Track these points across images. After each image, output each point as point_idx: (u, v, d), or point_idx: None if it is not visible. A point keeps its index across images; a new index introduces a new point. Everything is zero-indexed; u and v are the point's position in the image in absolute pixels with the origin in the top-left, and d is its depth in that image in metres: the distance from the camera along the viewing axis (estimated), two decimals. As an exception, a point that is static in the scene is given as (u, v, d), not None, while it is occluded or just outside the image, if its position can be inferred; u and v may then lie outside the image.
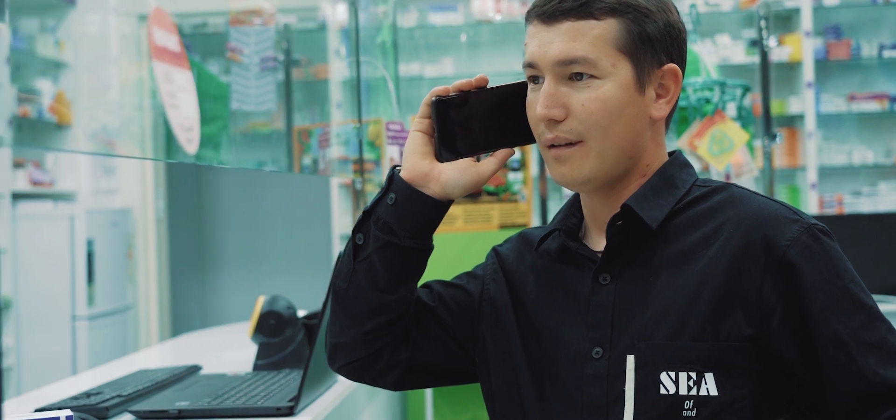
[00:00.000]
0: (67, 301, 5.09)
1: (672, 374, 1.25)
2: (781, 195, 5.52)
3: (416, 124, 1.37)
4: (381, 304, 1.36)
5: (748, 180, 3.77)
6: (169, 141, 4.21)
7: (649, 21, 1.29)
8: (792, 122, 5.57)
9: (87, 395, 2.04)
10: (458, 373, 1.48)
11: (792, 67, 5.55)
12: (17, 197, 5.16)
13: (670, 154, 1.38)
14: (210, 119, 3.98)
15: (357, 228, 1.36)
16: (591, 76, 1.27)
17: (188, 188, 6.58)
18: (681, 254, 1.29)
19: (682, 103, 3.70)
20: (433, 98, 1.34)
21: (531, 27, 1.33)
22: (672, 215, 1.31)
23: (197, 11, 5.81)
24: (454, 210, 3.43)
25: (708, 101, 3.71)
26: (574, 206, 1.42)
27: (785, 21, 5.62)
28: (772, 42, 4.07)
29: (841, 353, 1.22)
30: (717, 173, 3.78)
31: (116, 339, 5.41)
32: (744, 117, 3.71)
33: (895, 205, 5.41)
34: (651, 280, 1.29)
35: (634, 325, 1.28)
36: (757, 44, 3.93)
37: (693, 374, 1.24)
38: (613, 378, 1.28)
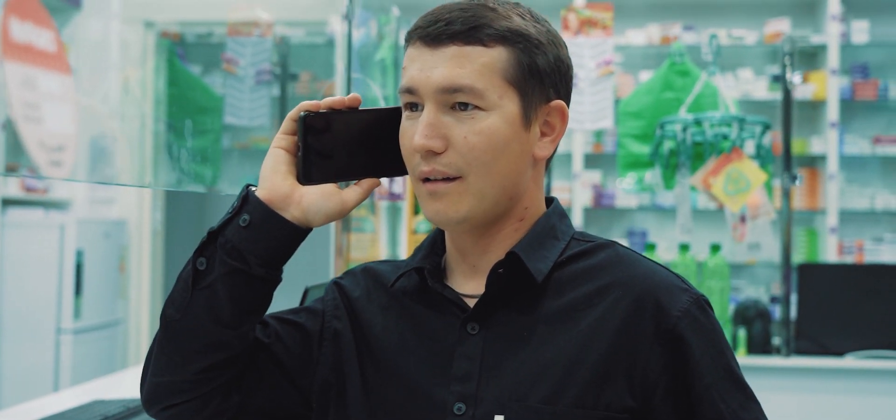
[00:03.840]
0: (52, 313, 4.92)
1: None
2: (800, 239, 5.32)
3: (278, 140, 1.23)
4: (219, 340, 1.20)
5: (765, 223, 3.58)
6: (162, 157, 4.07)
7: (539, 53, 1.20)
8: (813, 163, 5.37)
9: (26, 430, 1.88)
10: None
11: (815, 106, 5.36)
12: (8, 203, 5.01)
13: (548, 200, 1.29)
14: (202, 132, 3.82)
15: (199, 251, 1.20)
16: (476, 107, 1.17)
17: (188, 200, 6.42)
18: (562, 311, 1.20)
19: (697, 138, 3.52)
20: (301, 113, 1.21)
21: (412, 49, 1.20)
22: (553, 268, 1.23)
23: (202, 20, 5.67)
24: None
25: (725, 137, 3.52)
26: (436, 244, 1.29)
27: (810, 58, 5.43)
28: (796, 79, 3.87)
29: None
30: (731, 215, 3.58)
31: (103, 355, 5.24)
32: (763, 156, 3.52)
33: (919, 254, 5.20)
34: (526, 336, 1.19)
35: (505, 382, 1.18)
36: (780, 79, 3.73)
37: None
38: None
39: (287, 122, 1.23)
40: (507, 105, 1.18)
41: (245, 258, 1.18)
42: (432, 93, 1.17)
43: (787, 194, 3.82)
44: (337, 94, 3.97)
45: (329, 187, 1.21)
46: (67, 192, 5.47)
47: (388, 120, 1.24)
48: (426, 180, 1.19)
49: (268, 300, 1.23)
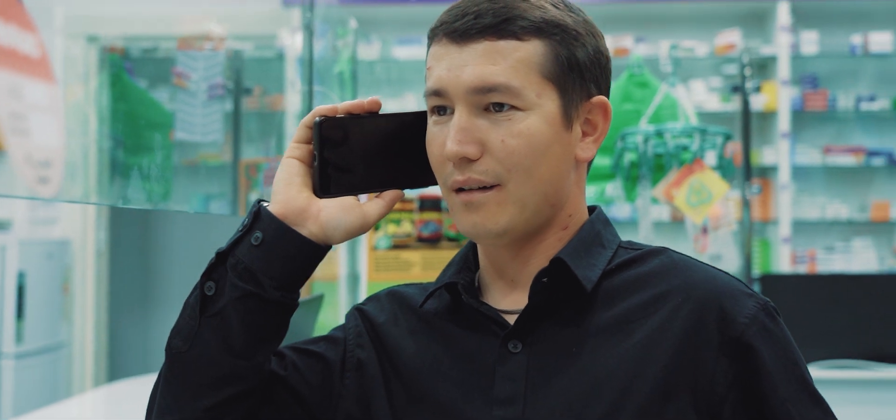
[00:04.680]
0: (-6, 338, 4.75)
1: None
2: (754, 249, 5.34)
3: (291, 149, 1.13)
4: (232, 371, 1.09)
5: (727, 234, 3.56)
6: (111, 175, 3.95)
7: (578, 45, 1.10)
8: (765, 174, 5.40)
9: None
10: None
11: (766, 117, 5.39)
12: (-55, 224, 4.83)
13: (590, 208, 1.20)
14: (151, 149, 3.70)
15: (207, 275, 1.10)
16: (513, 107, 1.07)
17: (133, 219, 6.26)
18: (614, 322, 1.10)
19: (659, 150, 3.48)
20: (316, 119, 1.11)
21: (437, 47, 1.10)
22: (602, 277, 1.13)
23: (148, 34, 5.54)
24: (410, 256, 3.18)
25: (685, 148, 3.50)
26: (468, 260, 1.19)
27: (760, 69, 5.46)
28: (749, 85, 3.88)
29: None
30: (693, 226, 3.56)
31: (47, 380, 5.07)
32: (724, 167, 3.50)
33: (868, 262, 5.26)
34: (575, 351, 1.09)
35: (555, 403, 1.07)
36: (738, 89, 3.73)
37: None
38: None
39: (301, 129, 1.12)
40: (547, 103, 1.08)
41: (258, 280, 1.07)
42: (463, 94, 1.07)
43: (747, 205, 3.82)
44: (288, 109, 3.86)
45: (349, 200, 1.11)
46: (7, 212, 5.30)
47: (412, 125, 1.15)
48: (460, 190, 1.09)
49: (284, 327, 1.12)
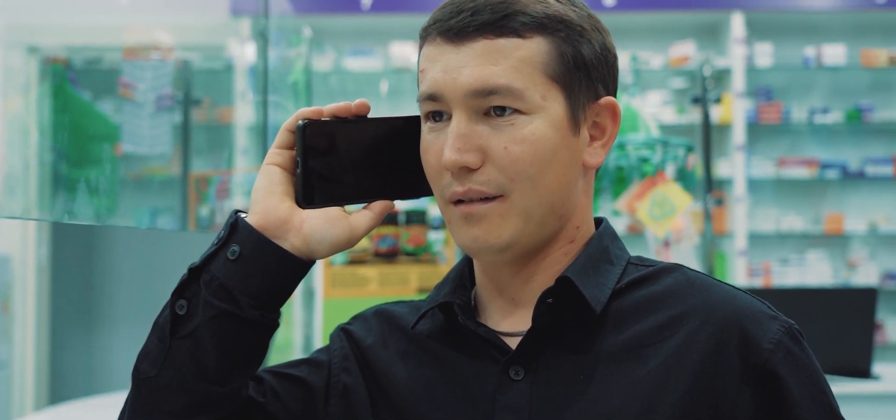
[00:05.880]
0: (-71, 360, 4.56)
1: None
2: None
3: (272, 155, 1.04)
4: (205, 398, 1.00)
5: (688, 247, 3.51)
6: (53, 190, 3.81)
7: (584, 42, 1.02)
8: (720, 186, 5.39)
9: None
10: None
11: (721, 129, 5.38)
12: None
13: (597, 221, 1.12)
14: (96, 162, 3.57)
15: (178, 292, 1.00)
16: (516, 111, 0.99)
17: (75, 234, 6.09)
18: (626, 347, 1.01)
19: (620, 162, 3.43)
20: (300, 122, 1.01)
21: (431, 47, 1.02)
22: (612, 297, 1.04)
23: (91, 45, 5.39)
24: (367, 272, 3.08)
25: (647, 160, 3.44)
26: (464, 277, 1.11)
27: (715, 82, 5.44)
28: (710, 96, 3.85)
29: None
30: (656, 239, 3.51)
31: (-15, 402, 4.89)
32: (686, 179, 3.46)
33: (823, 274, 5.26)
34: (584, 379, 1.00)
35: None
36: (699, 101, 3.70)
37: None
38: None
39: (282, 134, 1.03)
40: (552, 106, 1.00)
41: (235, 298, 0.98)
42: (461, 98, 0.98)
43: (709, 217, 3.78)
44: (238, 122, 3.75)
45: (334, 211, 1.02)
46: (-56, 229, 5.12)
47: (404, 131, 1.06)
48: (459, 202, 1.01)
49: (263, 350, 1.03)
